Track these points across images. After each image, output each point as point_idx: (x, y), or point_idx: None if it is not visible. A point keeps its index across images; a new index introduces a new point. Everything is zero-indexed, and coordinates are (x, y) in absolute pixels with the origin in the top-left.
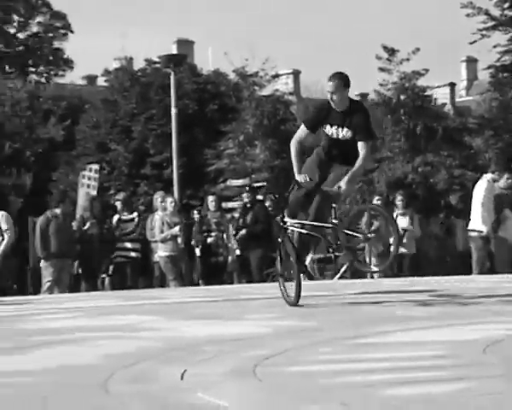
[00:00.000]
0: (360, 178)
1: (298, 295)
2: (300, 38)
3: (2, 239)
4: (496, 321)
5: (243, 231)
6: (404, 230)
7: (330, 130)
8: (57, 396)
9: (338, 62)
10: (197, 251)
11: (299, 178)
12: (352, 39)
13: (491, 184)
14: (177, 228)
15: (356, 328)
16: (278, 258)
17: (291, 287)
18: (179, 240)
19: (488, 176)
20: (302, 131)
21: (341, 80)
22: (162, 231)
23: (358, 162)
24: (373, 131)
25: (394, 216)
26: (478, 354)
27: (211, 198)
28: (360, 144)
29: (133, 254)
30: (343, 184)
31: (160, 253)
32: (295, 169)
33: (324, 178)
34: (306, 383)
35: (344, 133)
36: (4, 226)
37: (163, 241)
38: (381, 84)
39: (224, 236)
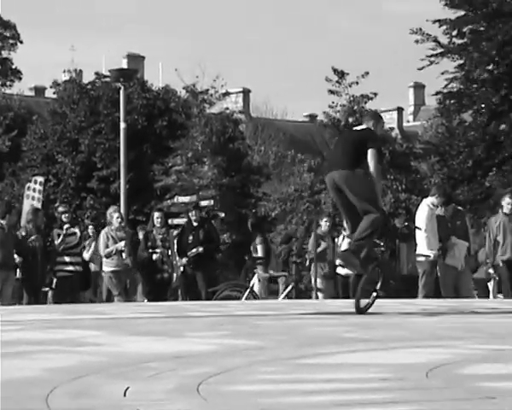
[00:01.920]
0: (307, 199)
1: None
2: (251, 57)
3: None
4: (439, 345)
5: (200, 249)
6: None
7: None
8: None
9: (287, 83)
10: None
11: None
12: (302, 61)
13: (432, 209)
14: (122, 243)
15: (299, 348)
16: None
17: None
18: (124, 255)
19: (428, 200)
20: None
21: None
22: (107, 246)
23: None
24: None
25: (341, 238)
26: (421, 377)
27: (157, 214)
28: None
29: (73, 268)
30: None
31: (105, 268)
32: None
33: None
34: (250, 402)
35: None
36: None
37: (107, 256)
38: (330, 106)
39: (169, 252)
